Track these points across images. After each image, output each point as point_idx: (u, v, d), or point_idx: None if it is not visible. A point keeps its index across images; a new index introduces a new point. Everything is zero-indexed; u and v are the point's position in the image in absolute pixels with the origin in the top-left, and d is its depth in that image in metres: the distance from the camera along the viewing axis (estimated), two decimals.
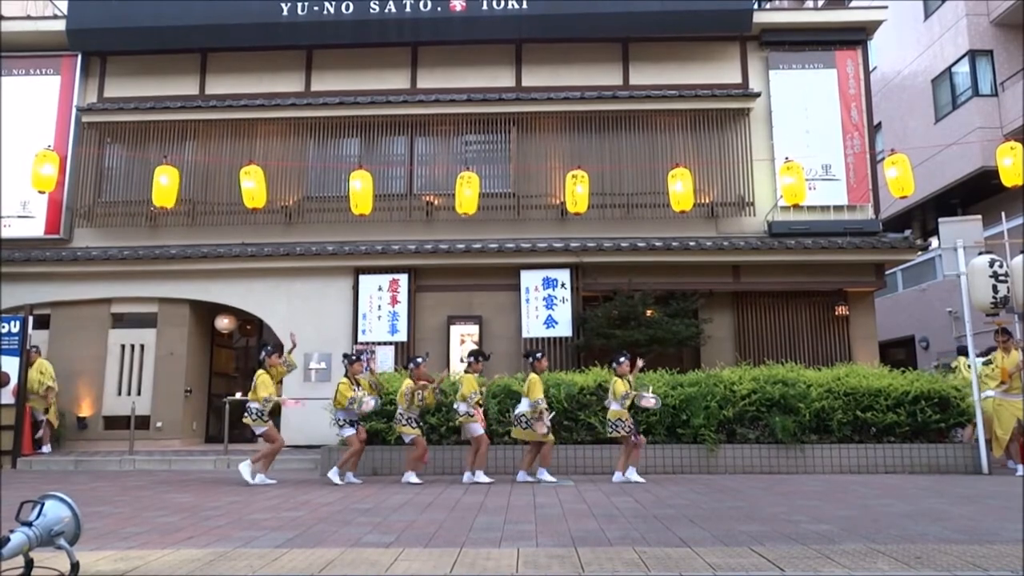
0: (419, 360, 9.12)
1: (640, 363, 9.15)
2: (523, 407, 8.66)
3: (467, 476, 8.74)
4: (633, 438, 8.65)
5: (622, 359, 8.95)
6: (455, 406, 9.06)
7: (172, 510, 6.30)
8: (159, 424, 13.12)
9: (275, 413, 9.91)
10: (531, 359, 8.98)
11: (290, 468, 10.88)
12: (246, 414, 8.88)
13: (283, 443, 9.10)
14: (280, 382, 9.33)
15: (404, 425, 8.78)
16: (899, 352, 19.85)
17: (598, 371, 10.38)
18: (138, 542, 4.73)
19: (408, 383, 8.89)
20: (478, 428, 8.85)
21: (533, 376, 8.72)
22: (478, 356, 9.14)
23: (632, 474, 8.57)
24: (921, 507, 6.28)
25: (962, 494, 7.23)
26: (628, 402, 8.68)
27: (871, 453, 9.68)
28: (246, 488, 8.16)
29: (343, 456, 8.89)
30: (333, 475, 8.64)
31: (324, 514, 5.98)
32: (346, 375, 9.02)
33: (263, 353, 9.12)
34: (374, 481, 8.94)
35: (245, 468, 8.64)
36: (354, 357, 9.01)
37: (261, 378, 8.84)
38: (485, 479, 8.60)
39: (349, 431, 8.83)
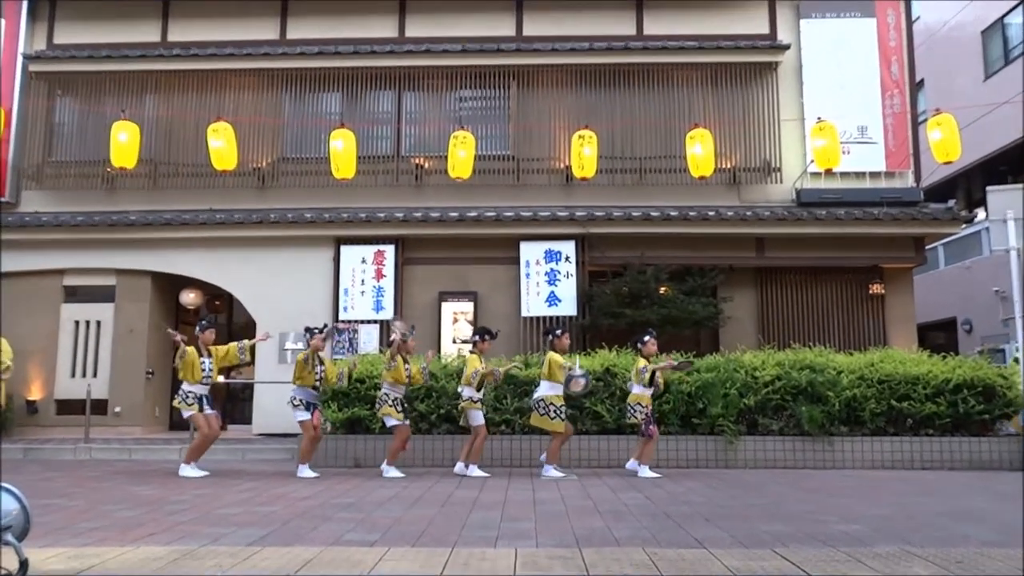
0: (411, 334, 9.10)
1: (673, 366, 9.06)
2: (542, 390, 8.63)
3: (459, 467, 8.79)
4: (644, 428, 8.66)
5: (647, 337, 8.94)
6: (459, 390, 9.03)
7: (132, 504, 6.31)
8: (118, 409, 13.14)
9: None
10: (551, 336, 8.92)
11: (263, 459, 10.92)
12: (175, 395, 9.09)
13: (214, 433, 9.00)
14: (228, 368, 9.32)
15: (389, 406, 8.72)
16: (939, 336, 19.87)
17: (605, 354, 10.39)
18: (94, 538, 4.74)
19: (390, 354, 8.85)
20: (480, 416, 8.85)
21: (553, 355, 8.65)
22: (484, 334, 9.09)
23: (644, 470, 8.60)
24: (962, 506, 6.31)
25: (1007, 492, 7.27)
26: (648, 376, 8.68)
27: (907, 447, 9.72)
28: (214, 480, 8.18)
29: (301, 447, 8.87)
30: (303, 472, 8.62)
31: (301, 509, 6.00)
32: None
33: (197, 328, 9.13)
34: (356, 474, 8.97)
35: (188, 470, 8.70)
36: (316, 330, 8.99)
37: (189, 357, 8.88)
38: (480, 473, 8.63)
39: (303, 415, 8.76)
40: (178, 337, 9.04)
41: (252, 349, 9.36)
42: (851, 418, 9.89)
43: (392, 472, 8.61)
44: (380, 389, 8.94)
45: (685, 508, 6.10)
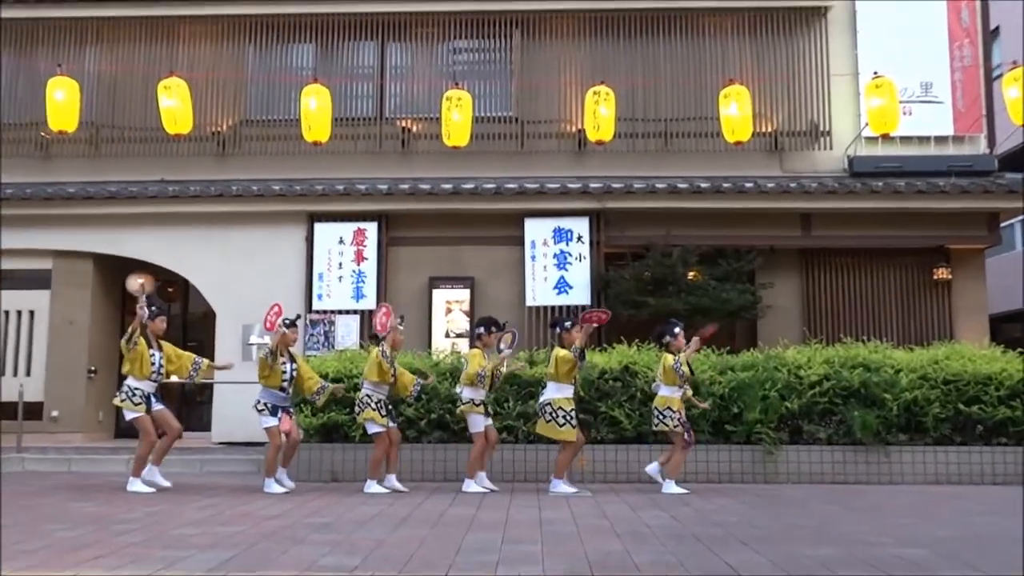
0: (399, 323, 9.10)
1: (704, 337, 9.03)
2: (549, 393, 8.66)
3: (466, 484, 8.80)
4: (686, 435, 8.69)
5: (677, 329, 8.96)
6: (458, 391, 9.04)
7: (74, 522, 6.35)
8: (55, 413, 13.18)
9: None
10: (558, 328, 8.92)
11: (225, 471, 10.96)
12: (117, 392, 8.99)
13: (175, 432, 9.04)
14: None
15: (372, 410, 8.72)
16: (1015, 328, 19.87)
17: (624, 349, 10.40)
18: (31, 562, 4.77)
19: (376, 353, 8.85)
20: (480, 422, 8.85)
21: (560, 352, 8.65)
22: (490, 326, 9.08)
23: (670, 485, 8.64)
24: None
25: None
26: (686, 369, 8.70)
27: (976, 458, 9.74)
28: (167, 496, 8.22)
29: (266, 458, 8.90)
30: (270, 487, 8.65)
31: (269, 529, 6.03)
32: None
33: (146, 315, 8.96)
34: (333, 489, 9.00)
35: (136, 484, 8.74)
36: (288, 321, 9.02)
37: (139, 348, 8.78)
38: (475, 488, 8.65)
39: (270, 420, 8.75)
40: (144, 291, 8.99)
41: (208, 371, 9.28)
42: (911, 424, 9.88)
43: (374, 488, 8.62)
44: (360, 390, 8.94)
45: (717, 529, 6.12)
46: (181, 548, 5.23)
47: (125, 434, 14.05)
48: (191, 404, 14.98)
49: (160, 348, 9.02)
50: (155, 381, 8.90)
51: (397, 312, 9.47)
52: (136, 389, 8.79)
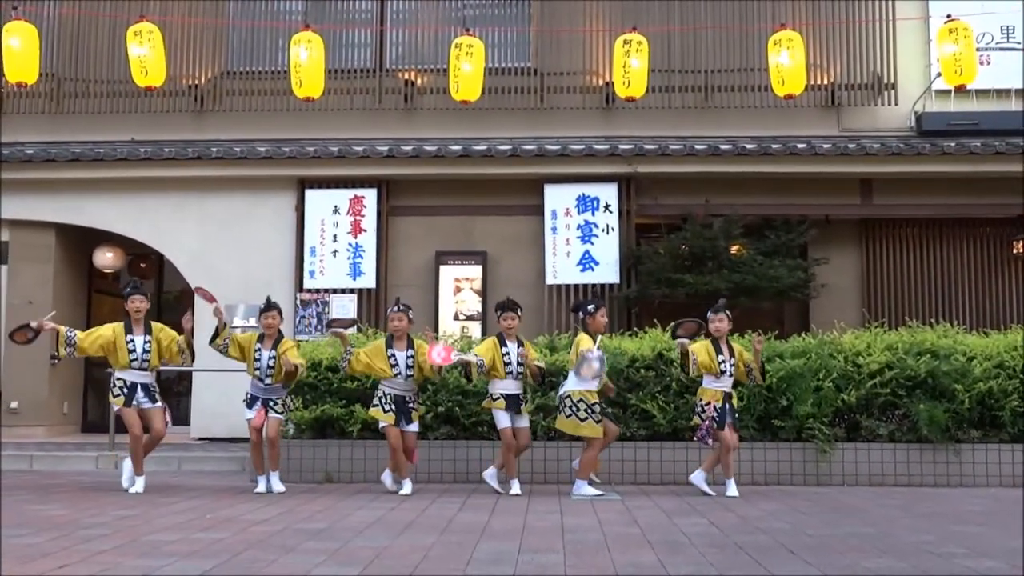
0: (393, 309, 9.15)
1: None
2: (570, 384, 8.67)
3: (491, 473, 8.88)
4: (701, 431, 8.66)
5: (719, 314, 8.95)
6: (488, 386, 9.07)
7: (36, 527, 6.40)
8: (14, 405, 13.27)
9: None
10: (582, 312, 8.93)
11: (206, 470, 11.04)
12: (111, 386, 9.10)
13: (157, 435, 9.13)
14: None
15: (374, 407, 8.85)
16: None
17: (657, 334, 10.38)
18: None
19: (379, 344, 8.94)
20: (503, 419, 8.81)
21: (583, 339, 8.67)
22: (504, 309, 9.08)
23: (731, 487, 8.65)
24: None
25: None
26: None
27: None
28: (142, 497, 8.29)
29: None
30: (269, 483, 8.83)
31: (256, 536, 6.07)
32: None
33: (125, 294, 9.17)
34: (328, 491, 9.05)
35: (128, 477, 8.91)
36: (261, 307, 9.13)
37: (98, 333, 9.00)
38: (504, 490, 8.70)
39: (247, 413, 8.96)
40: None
41: (191, 347, 9.22)
42: (985, 420, 9.86)
43: (408, 487, 8.74)
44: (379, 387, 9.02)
45: (763, 537, 6.13)
46: (156, 557, 5.26)
47: (93, 428, 14.17)
48: (168, 394, 15.01)
49: (146, 332, 9.00)
50: (142, 370, 8.92)
51: (395, 293, 9.53)
52: (117, 379, 8.92)
